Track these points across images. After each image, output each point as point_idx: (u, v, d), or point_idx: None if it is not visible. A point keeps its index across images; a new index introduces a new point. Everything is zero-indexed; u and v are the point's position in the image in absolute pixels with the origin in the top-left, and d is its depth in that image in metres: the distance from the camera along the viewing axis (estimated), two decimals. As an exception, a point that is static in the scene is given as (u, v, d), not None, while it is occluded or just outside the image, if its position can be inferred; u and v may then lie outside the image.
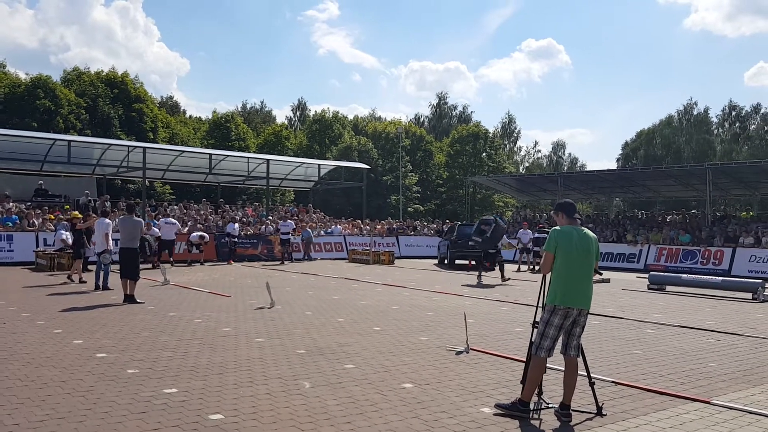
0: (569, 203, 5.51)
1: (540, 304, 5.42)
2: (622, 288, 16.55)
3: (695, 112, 74.03)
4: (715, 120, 74.09)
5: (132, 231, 11.97)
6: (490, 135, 65.31)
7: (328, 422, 4.79)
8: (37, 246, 20.15)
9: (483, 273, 18.73)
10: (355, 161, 45.80)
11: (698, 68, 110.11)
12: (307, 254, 25.98)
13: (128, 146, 29.34)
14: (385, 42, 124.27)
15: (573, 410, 5.10)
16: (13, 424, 4.57)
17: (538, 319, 5.32)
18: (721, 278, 16.68)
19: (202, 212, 28.14)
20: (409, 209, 54.61)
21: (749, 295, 14.59)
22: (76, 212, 18.27)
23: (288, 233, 24.43)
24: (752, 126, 71.98)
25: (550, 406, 5.23)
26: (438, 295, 13.89)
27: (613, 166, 75.41)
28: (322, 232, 28.82)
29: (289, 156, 47.87)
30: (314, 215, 32.53)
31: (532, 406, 5.11)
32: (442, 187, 62.65)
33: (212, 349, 7.40)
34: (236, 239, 23.48)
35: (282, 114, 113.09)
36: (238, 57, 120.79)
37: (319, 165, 36.50)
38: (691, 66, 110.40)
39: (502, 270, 17.87)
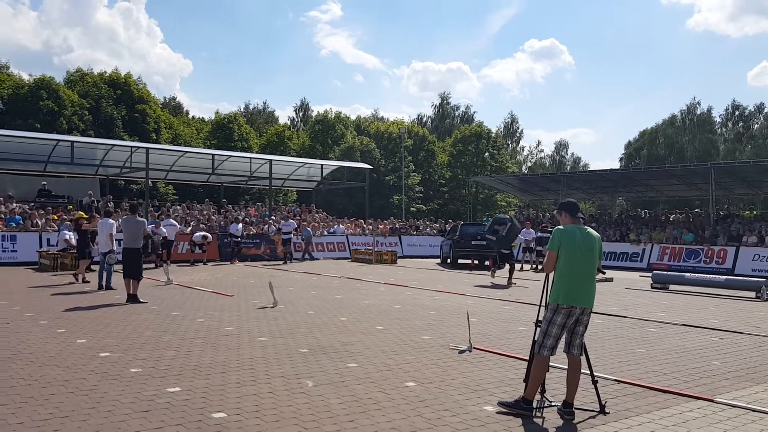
0: (572, 203, 5.51)
1: (543, 303, 5.41)
2: (626, 287, 16.53)
3: (698, 112, 73.90)
4: (718, 120, 73.99)
5: (135, 231, 11.99)
6: (493, 135, 65.25)
7: (331, 421, 4.79)
8: (41, 246, 20.19)
9: (487, 271, 18.67)
10: (358, 161, 45.82)
11: (701, 68, 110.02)
12: (308, 253, 25.95)
13: (131, 147, 29.40)
14: (387, 42, 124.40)
15: (576, 408, 5.10)
16: (17, 423, 4.59)
17: (541, 318, 5.32)
18: (724, 277, 16.65)
19: (204, 212, 28.18)
20: (411, 209, 54.61)
21: (753, 294, 14.57)
22: (81, 212, 18.30)
23: (290, 233, 24.44)
24: (755, 125, 71.81)
25: (553, 404, 5.23)
26: (440, 294, 13.89)
27: (616, 165, 75.36)
28: (326, 232, 28.84)
29: (291, 156, 47.90)
30: (317, 215, 32.54)
31: (535, 405, 5.11)
32: (444, 187, 62.65)
33: (215, 348, 7.42)
34: (239, 239, 23.49)
35: (284, 114, 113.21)
36: (240, 58, 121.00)
37: (322, 165, 36.51)
38: (694, 66, 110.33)
39: (511, 272, 17.11)
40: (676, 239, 25.65)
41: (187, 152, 31.13)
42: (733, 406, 5.43)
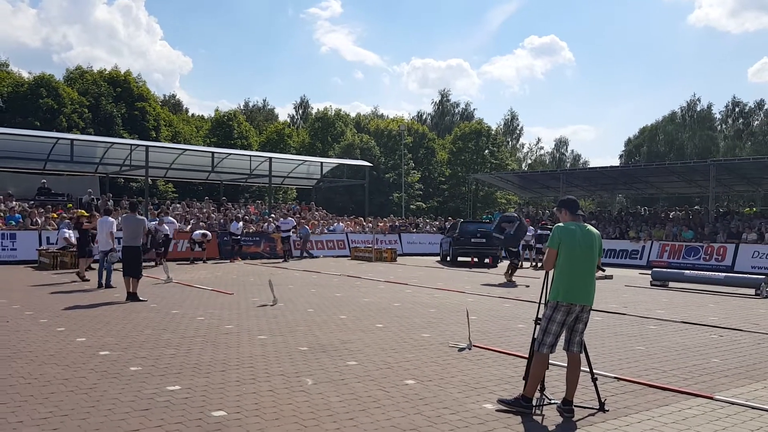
0: (572, 200, 5.50)
1: (542, 301, 5.42)
2: (625, 284, 16.54)
3: (698, 109, 73.80)
4: (718, 116, 73.91)
5: (135, 229, 11.99)
6: (493, 132, 65.21)
7: (331, 419, 4.80)
8: (40, 245, 20.18)
9: (487, 269, 18.64)
10: (358, 159, 45.83)
11: (702, 64, 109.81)
12: (306, 251, 25.86)
13: (131, 145, 29.42)
14: (387, 39, 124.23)
15: (575, 406, 5.10)
16: (16, 422, 4.59)
17: (540, 316, 5.32)
18: (724, 274, 16.67)
19: (204, 210, 28.18)
20: (411, 206, 54.62)
21: (752, 291, 14.58)
22: (82, 211, 18.30)
23: (289, 231, 24.44)
24: (756, 122, 71.75)
25: (552, 401, 5.23)
26: (440, 292, 13.90)
27: (616, 162, 75.24)
28: (326, 230, 28.83)
29: (291, 154, 47.88)
30: (317, 213, 32.55)
31: (534, 402, 5.11)
32: (444, 185, 62.64)
33: (215, 346, 7.42)
34: (240, 237, 23.48)
35: (284, 112, 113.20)
36: (240, 55, 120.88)
37: (322, 163, 36.53)
38: (695, 62, 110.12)
39: (513, 270, 16.84)
40: (676, 236, 25.67)
41: (186, 150, 31.12)
42: (733, 403, 5.43)
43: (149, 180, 30.47)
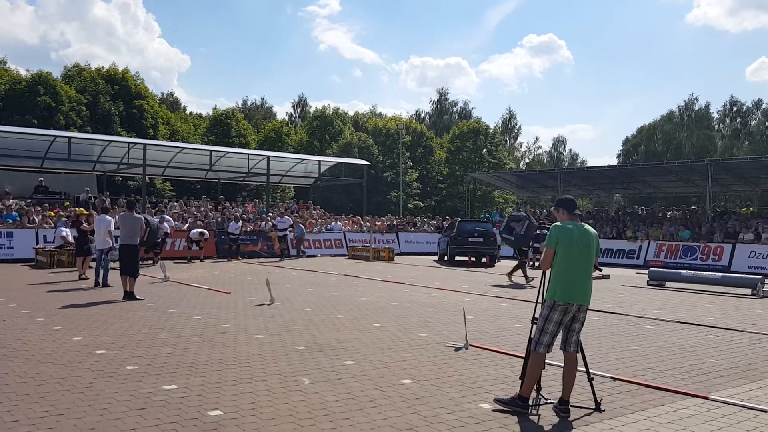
0: (570, 199, 5.51)
1: (539, 300, 5.42)
2: (622, 284, 16.56)
3: (696, 108, 73.94)
4: (716, 116, 74.05)
5: (132, 228, 11.97)
6: (491, 131, 65.24)
7: (327, 418, 4.80)
8: (37, 243, 20.15)
9: (484, 268, 18.61)
10: (356, 157, 45.81)
11: (700, 63, 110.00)
12: (300, 250, 25.74)
13: (128, 143, 29.37)
14: (386, 38, 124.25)
15: (572, 406, 5.11)
16: (12, 421, 4.58)
17: (537, 315, 5.32)
18: (720, 274, 16.70)
19: (202, 209, 28.15)
20: (409, 206, 54.62)
21: (749, 291, 14.60)
22: (82, 209, 18.25)
23: (285, 230, 24.42)
24: (753, 122, 71.85)
25: (549, 401, 5.24)
26: (437, 291, 13.90)
27: (614, 162, 75.36)
28: (323, 229, 28.82)
29: (289, 152, 47.85)
30: (314, 212, 32.54)
31: (531, 402, 5.12)
32: (442, 184, 62.66)
33: (211, 345, 7.41)
34: (238, 236, 23.46)
35: (282, 110, 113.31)
36: (238, 53, 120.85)
37: (320, 161, 36.52)
38: (693, 61, 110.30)
39: (516, 270, 16.64)
40: (673, 236, 25.70)
41: (184, 148, 31.11)
42: (728, 403, 5.44)
43: (147, 178, 30.48)
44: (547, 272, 5.32)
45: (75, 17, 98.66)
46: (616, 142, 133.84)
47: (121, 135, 40.97)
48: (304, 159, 36.04)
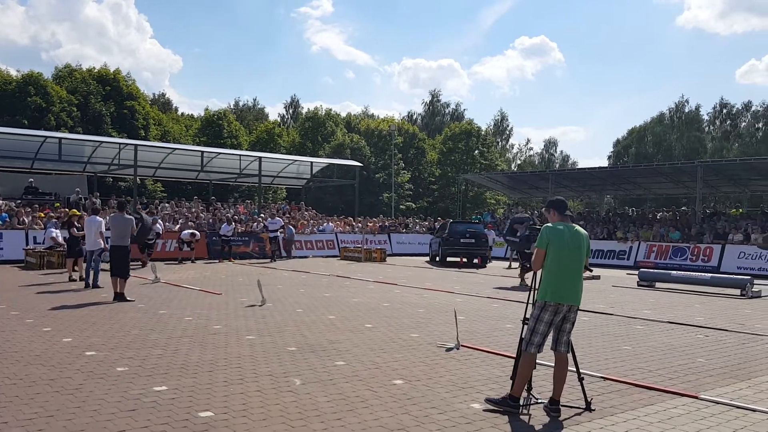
0: (560, 200, 5.53)
1: (530, 301, 5.44)
2: (612, 285, 16.64)
3: (686, 110, 74.39)
4: (706, 118, 74.53)
5: (123, 229, 11.92)
6: (483, 132, 65.39)
7: (319, 419, 4.79)
8: (27, 244, 20.03)
9: (476, 269, 18.62)
10: (348, 159, 45.80)
11: (690, 66, 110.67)
12: (287, 251, 25.57)
13: (119, 144, 29.24)
14: (378, 39, 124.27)
15: (562, 405, 5.13)
16: (1, 423, 4.55)
17: (528, 316, 5.34)
18: (710, 275, 16.81)
19: (193, 210, 28.06)
20: (401, 207, 54.65)
21: (738, 292, 14.70)
22: (74, 210, 18.14)
23: (276, 231, 24.38)
24: (743, 123, 72.37)
25: (539, 401, 5.26)
26: (429, 292, 13.92)
27: (605, 163, 75.64)
28: (315, 230, 28.79)
29: (281, 153, 47.78)
30: (306, 213, 32.50)
31: (521, 402, 5.13)
32: (434, 185, 62.73)
33: (202, 346, 7.39)
34: (230, 238, 23.39)
35: (274, 111, 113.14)
36: (230, 54, 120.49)
37: (312, 162, 36.46)
38: (683, 64, 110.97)
39: (525, 271, 16.45)
40: (663, 237, 25.85)
41: (176, 149, 30.98)
42: (717, 402, 5.48)
43: (138, 179, 30.34)
44: (538, 273, 5.35)
45: (66, 17, 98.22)
46: (606, 143, 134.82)
47: (112, 136, 40.78)
48: (296, 160, 35.99)
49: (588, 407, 5.19)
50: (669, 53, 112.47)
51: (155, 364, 6.42)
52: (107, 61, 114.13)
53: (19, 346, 7.21)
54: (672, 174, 30.93)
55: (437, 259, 24.94)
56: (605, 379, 6.22)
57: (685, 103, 74.69)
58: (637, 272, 17.64)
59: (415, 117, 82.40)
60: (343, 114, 69.99)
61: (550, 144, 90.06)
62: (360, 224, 30.92)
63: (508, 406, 5.10)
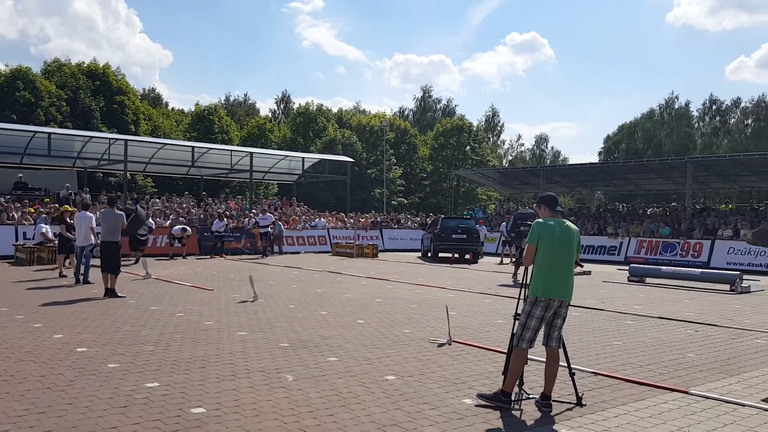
0: (551, 196, 5.55)
1: (522, 296, 5.46)
2: (603, 280, 16.72)
3: (676, 106, 74.83)
4: (695, 114, 75.02)
5: (114, 224, 11.86)
6: (474, 128, 65.46)
7: (311, 415, 4.80)
8: (17, 240, 19.89)
9: (468, 265, 18.67)
10: (340, 154, 45.70)
11: (680, 63, 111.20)
12: (279, 247, 25.61)
13: (109, 139, 29.04)
14: (369, 34, 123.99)
15: (554, 400, 5.16)
16: (-9, 419, 4.53)
17: (519, 311, 5.36)
18: (699, 270, 16.90)
19: (184, 205, 27.94)
20: (393, 202, 54.65)
21: (727, 287, 14.80)
22: (67, 206, 18.00)
23: (267, 226, 24.32)
24: (732, 120, 72.89)
25: (531, 396, 5.29)
26: (421, 287, 13.94)
27: (595, 159, 75.99)
28: (307, 226, 28.74)
29: (272, 149, 47.63)
30: (298, 208, 32.44)
31: (513, 397, 5.15)
32: (426, 181, 62.76)
33: (194, 342, 7.38)
34: (223, 234, 23.28)
35: (266, 107, 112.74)
36: (221, 49, 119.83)
37: (303, 158, 36.37)
38: (673, 60, 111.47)
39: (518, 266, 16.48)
40: (653, 233, 25.99)
41: (166, 144, 30.85)
42: (707, 397, 5.52)
43: (128, 174, 30.16)
44: (529, 268, 5.37)
45: (55, 12, 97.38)
46: (597, 139, 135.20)
47: (101, 131, 40.48)
48: (288, 156, 35.89)
49: (579, 402, 5.22)
50: (659, 50, 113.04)
51: (147, 361, 6.40)
52: (96, 55, 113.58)
53: (10, 343, 7.17)
54: (662, 170, 31.08)
55: (429, 254, 24.97)
56: (596, 374, 6.26)
57: (675, 100, 75.19)
58: (627, 268, 17.72)
59: (406, 113, 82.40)
60: (335, 109, 69.90)
61: (541, 140, 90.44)
62: (352, 220, 30.90)
63: (500, 401, 5.12)
